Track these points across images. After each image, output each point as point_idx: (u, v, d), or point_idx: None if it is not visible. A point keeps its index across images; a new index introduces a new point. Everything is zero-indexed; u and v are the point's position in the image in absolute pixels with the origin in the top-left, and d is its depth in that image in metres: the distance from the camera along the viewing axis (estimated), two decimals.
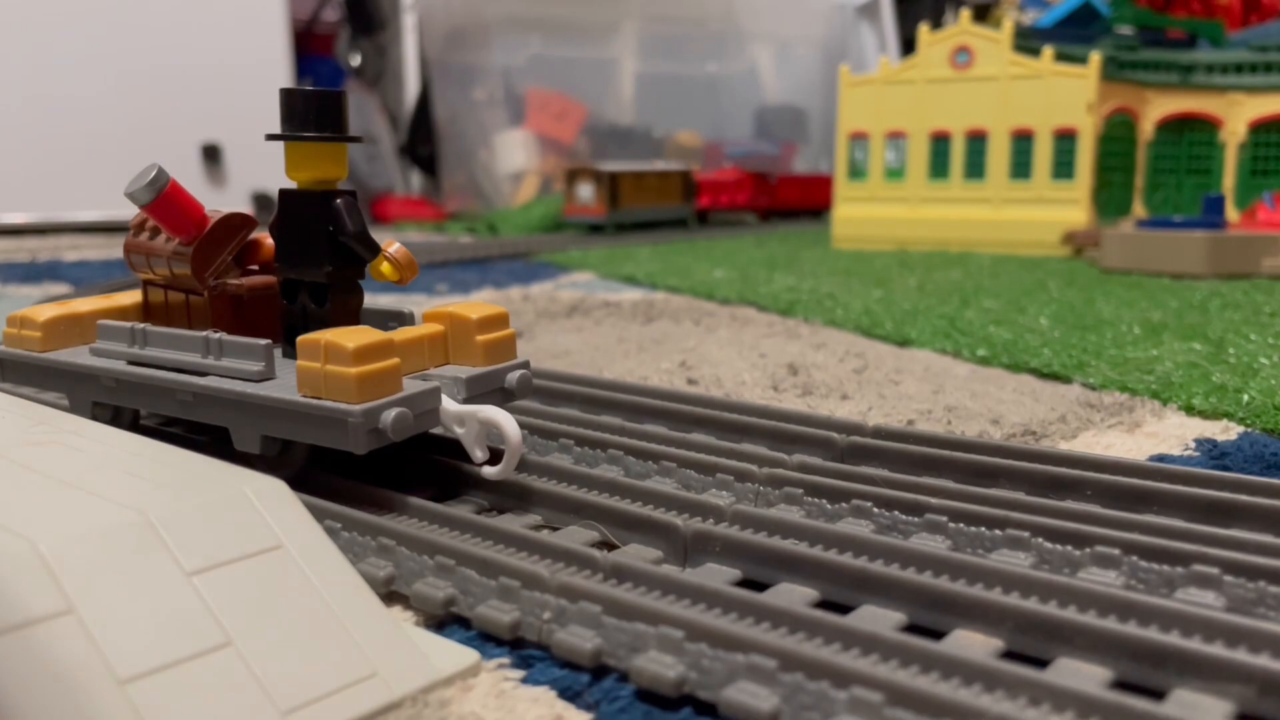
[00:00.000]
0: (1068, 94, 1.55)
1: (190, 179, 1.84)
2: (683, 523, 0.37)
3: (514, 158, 2.56)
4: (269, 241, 0.48)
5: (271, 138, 0.44)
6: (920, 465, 0.45)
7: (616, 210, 2.00)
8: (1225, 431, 0.55)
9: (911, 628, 0.31)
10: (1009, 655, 0.30)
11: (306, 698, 0.26)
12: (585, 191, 1.96)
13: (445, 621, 0.34)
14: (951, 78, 1.64)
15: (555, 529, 0.40)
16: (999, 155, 1.62)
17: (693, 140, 2.79)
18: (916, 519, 0.38)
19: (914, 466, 0.45)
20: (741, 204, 2.32)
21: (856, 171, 1.75)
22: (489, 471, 0.40)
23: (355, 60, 2.96)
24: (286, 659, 0.27)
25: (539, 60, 2.69)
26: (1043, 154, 1.59)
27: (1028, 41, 1.64)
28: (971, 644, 0.30)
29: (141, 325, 0.45)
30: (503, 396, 0.44)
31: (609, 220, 1.96)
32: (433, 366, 0.44)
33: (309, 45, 2.72)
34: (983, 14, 2.71)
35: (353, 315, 0.46)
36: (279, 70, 2.22)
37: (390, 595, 0.35)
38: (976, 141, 1.64)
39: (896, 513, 0.38)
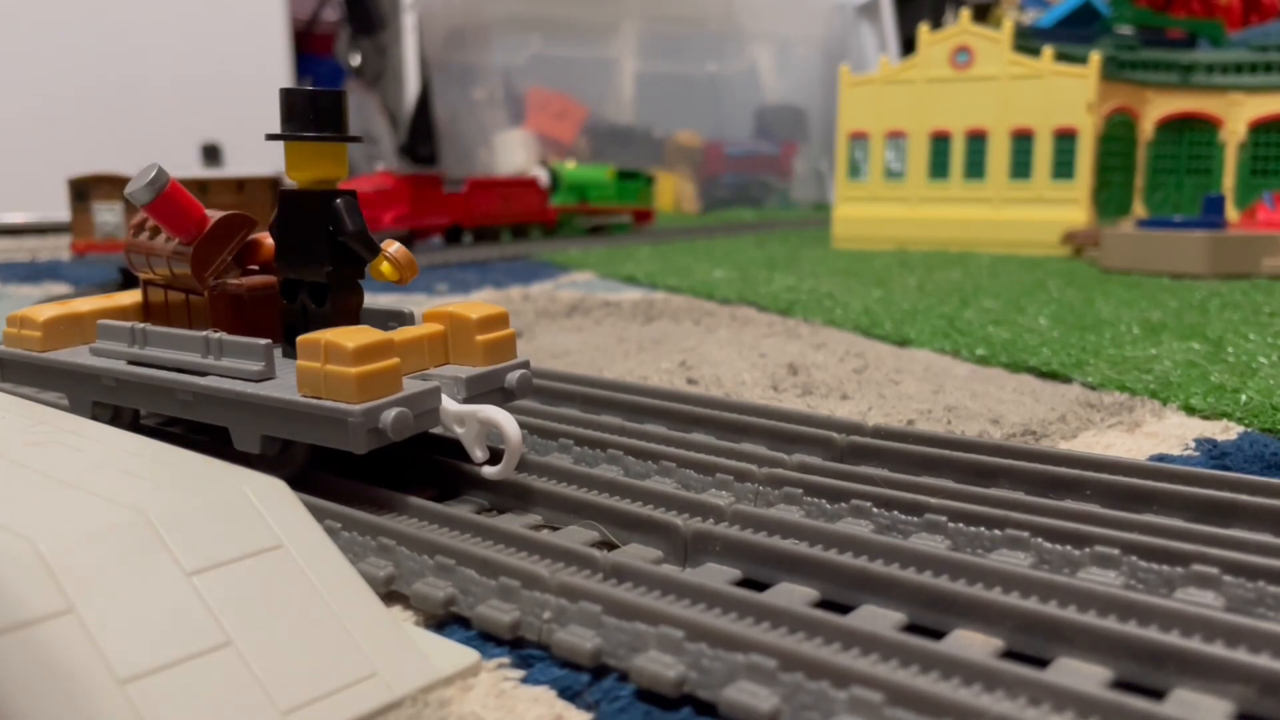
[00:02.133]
0: (1068, 94, 1.55)
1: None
2: (683, 522, 0.37)
3: (514, 157, 2.56)
4: (269, 241, 0.48)
5: (271, 137, 0.44)
6: (920, 465, 0.45)
7: None
8: (1225, 431, 0.55)
9: (911, 628, 0.31)
10: (1009, 655, 0.30)
11: (306, 698, 0.26)
12: (109, 215, 1.18)
13: (445, 621, 0.34)
14: (951, 78, 1.64)
15: (555, 529, 0.40)
16: (999, 155, 1.62)
17: (693, 140, 2.80)
18: (916, 519, 0.38)
19: (914, 466, 0.45)
20: (387, 224, 1.61)
21: (856, 171, 1.75)
22: (489, 471, 0.40)
23: (355, 60, 2.96)
24: (286, 659, 0.27)
25: (539, 60, 2.69)
26: (1043, 154, 1.58)
27: (1028, 41, 1.64)
28: (971, 644, 0.30)
29: (141, 325, 0.45)
30: (503, 396, 0.44)
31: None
32: (433, 366, 0.44)
33: (309, 45, 2.72)
34: (983, 14, 2.71)
35: (353, 315, 0.46)
36: (279, 70, 2.22)
37: (390, 595, 0.35)
38: (976, 141, 1.64)
39: (896, 513, 0.38)
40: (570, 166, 2.07)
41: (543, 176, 1.94)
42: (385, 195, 1.60)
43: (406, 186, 1.64)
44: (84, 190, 1.19)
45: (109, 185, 1.19)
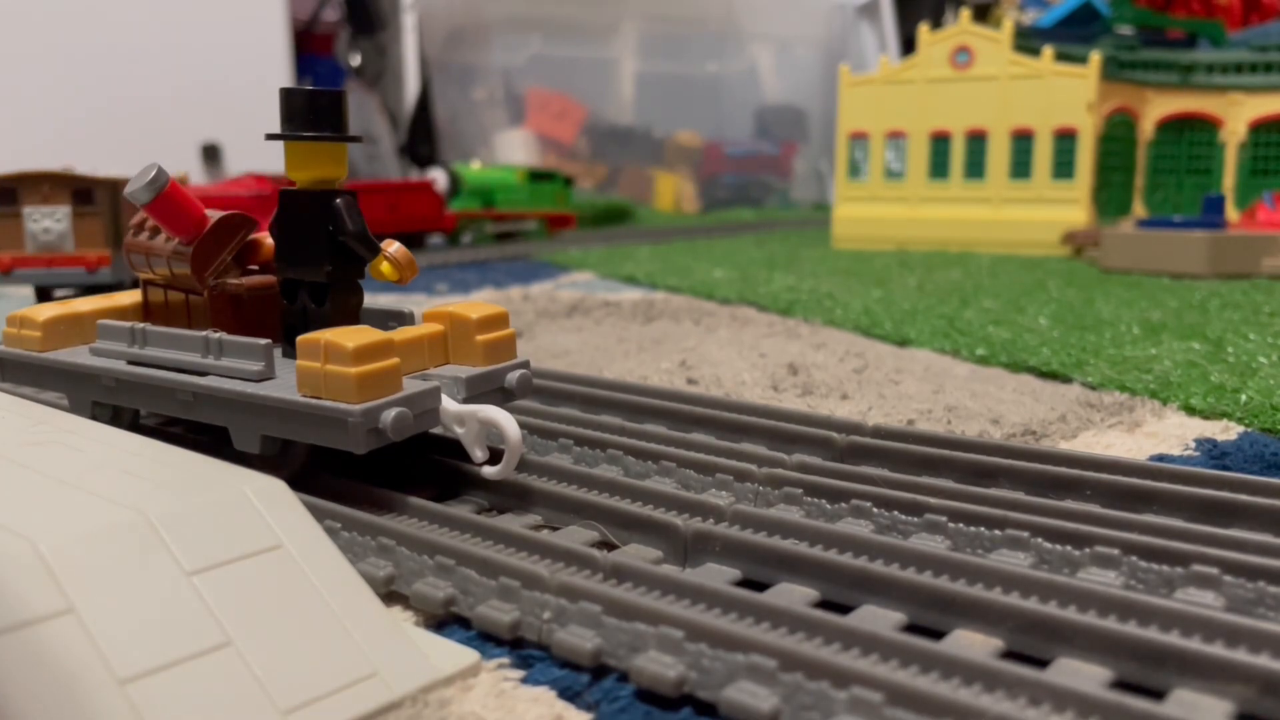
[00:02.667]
0: (1068, 94, 1.55)
1: (190, 179, 1.83)
2: (683, 522, 0.37)
3: (514, 158, 2.56)
4: (269, 241, 0.48)
5: (271, 137, 0.44)
6: (920, 465, 0.45)
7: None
8: (1225, 431, 0.55)
9: (911, 628, 0.31)
10: (1009, 655, 0.30)
11: (306, 698, 0.26)
12: (51, 222, 0.97)
13: (445, 621, 0.34)
14: (951, 78, 1.64)
15: (555, 529, 0.40)
16: (999, 155, 1.62)
17: (693, 140, 2.80)
18: (916, 519, 0.38)
19: (914, 466, 0.45)
20: (262, 230, 1.07)
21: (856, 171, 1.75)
22: (489, 471, 0.40)
23: (355, 60, 2.96)
24: (286, 659, 0.27)
25: (539, 60, 2.69)
26: (1043, 154, 1.59)
27: (1028, 41, 1.64)
28: (971, 644, 0.30)
29: (141, 325, 0.45)
30: (503, 396, 0.44)
31: (114, 278, 0.99)
32: (433, 366, 0.44)
33: (309, 45, 2.72)
34: (983, 14, 2.71)
35: (353, 315, 0.46)
36: (279, 70, 2.22)
37: (390, 595, 0.35)
38: (976, 141, 1.64)
39: (896, 513, 0.38)
40: (474, 168, 1.91)
41: (439, 179, 1.78)
42: (262, 201, 1.35)
43: (264, 203, 1.38)
44: (12, 192, 0.96)
45: (49, 185, 0.96)
